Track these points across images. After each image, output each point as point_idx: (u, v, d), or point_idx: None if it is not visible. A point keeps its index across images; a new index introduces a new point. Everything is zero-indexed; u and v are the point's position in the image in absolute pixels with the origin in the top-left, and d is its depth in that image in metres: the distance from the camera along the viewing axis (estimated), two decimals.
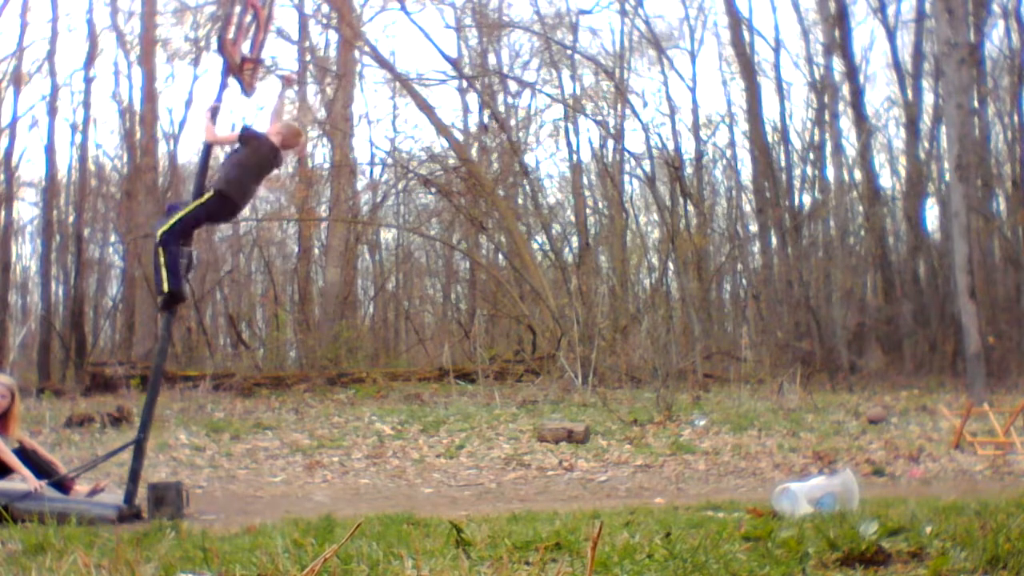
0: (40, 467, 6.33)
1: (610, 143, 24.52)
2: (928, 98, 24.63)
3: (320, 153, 22.61)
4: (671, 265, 22.22)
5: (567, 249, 23.00)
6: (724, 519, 4.59)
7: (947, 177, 19.54)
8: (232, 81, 6.93)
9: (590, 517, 4.72)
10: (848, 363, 19.95)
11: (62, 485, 6.30)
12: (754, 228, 25.33)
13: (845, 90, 23.72)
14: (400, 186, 21.30)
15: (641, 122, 26.04)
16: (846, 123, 24.09)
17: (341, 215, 19.84)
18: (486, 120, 22.36)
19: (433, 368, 17.43)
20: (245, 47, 6.88)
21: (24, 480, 6.16)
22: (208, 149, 7.04)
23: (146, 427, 6.53)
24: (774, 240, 23.17)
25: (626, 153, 23.99)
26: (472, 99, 23.65)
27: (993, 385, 15.77)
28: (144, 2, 19.81)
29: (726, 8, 23.80)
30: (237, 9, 6.85)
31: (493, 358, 17.34)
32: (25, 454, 6.37)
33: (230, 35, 6.75)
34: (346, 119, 20.27)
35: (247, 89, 6.99)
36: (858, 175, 24.27)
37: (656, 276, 23.30)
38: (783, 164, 24.42)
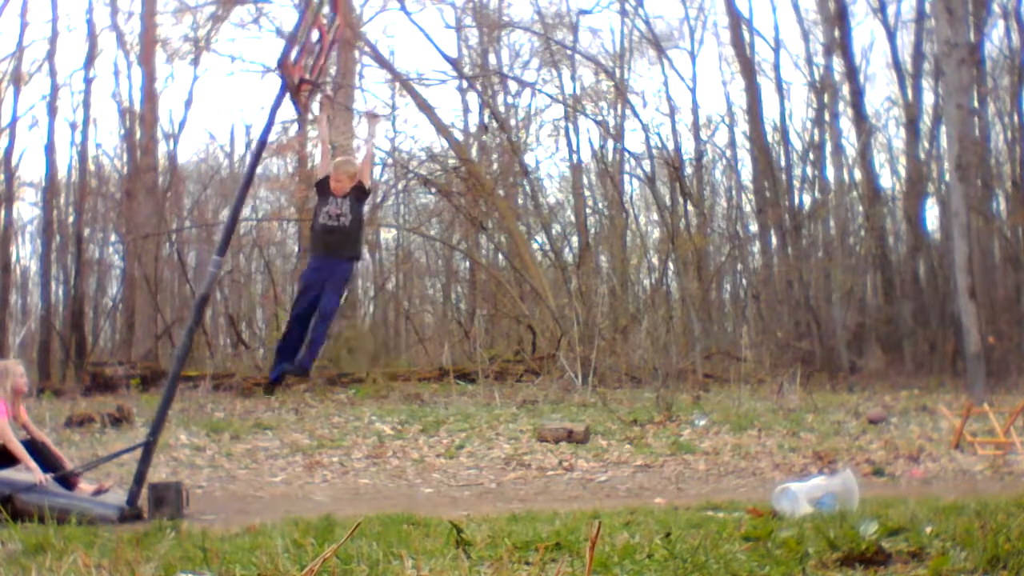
0: (47, 461, 6.35)
1: (610, 143, 24.52)
2: (928, 98, 24.67)
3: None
4: (671, 265, 22.21)
5: (567, 249, 23.00)
6: (724, 519, 4.59)
7: (947, 177, 19.54)
8: (288, 102, 6.77)
9: (590, 517, 4.71)
10: (848, 363, 19.96)
11: (67, 481, 6.31)
12: (754, 228, 25.35)
13: (845, 90, 23.74)
14: (400, 186, 21.28)
15: (641, 122, 26.04)
16: (846, 123, 24.13)
17: None
18: (486, 120, 22.32)
19: (433, 368, 17.42)
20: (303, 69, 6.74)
21: (30, 471, 6.17)
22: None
23: (157, 430, 6.52)
24: (774, 240, 23.18)
25: (626, 153, 23.99)
26: (472, 99, 23.64)
27: (993, 385, 15.76)
28: (144, 2, 19.77)
29: (726, 8, 23.85)
30: (303, 29, 6.70)
31: (493, 358, 17.31)
32: (34, 447, 6.38)
33: (292, 55, 6.57)
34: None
35: (303, 111, 6.87)
36: (858, 175, 24.30)
37: (656, 276, 23.28)
38: (783, 164, 24.43)
